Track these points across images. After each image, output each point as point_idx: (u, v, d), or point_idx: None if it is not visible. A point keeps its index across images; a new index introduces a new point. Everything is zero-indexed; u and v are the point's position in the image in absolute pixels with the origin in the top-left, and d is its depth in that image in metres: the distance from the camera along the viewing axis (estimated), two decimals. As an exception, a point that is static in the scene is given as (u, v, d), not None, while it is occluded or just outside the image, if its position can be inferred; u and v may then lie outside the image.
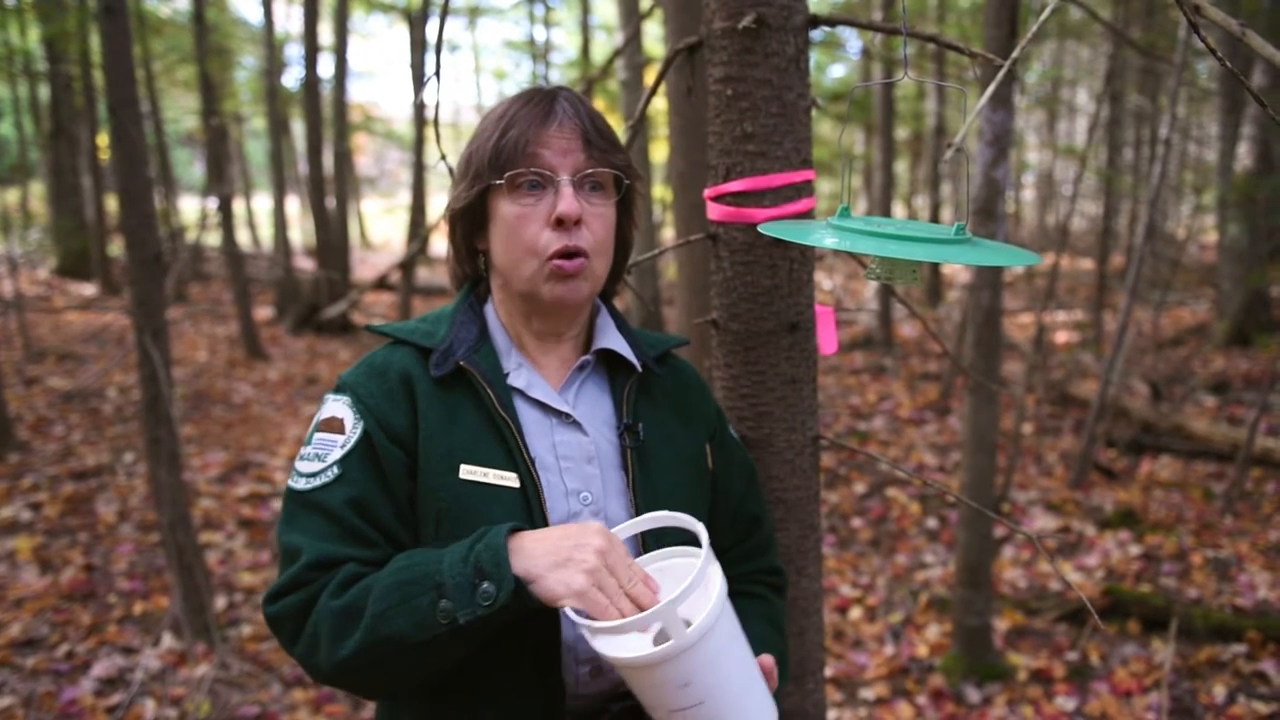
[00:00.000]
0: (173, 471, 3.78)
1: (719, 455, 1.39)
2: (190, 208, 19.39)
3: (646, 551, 1.20)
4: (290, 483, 1.18)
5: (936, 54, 10.52)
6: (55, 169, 13.78)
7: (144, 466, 5.64)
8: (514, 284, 1.23)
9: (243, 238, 16.92)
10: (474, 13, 16.44)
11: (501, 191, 1.20)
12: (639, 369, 1.31)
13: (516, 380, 1.24)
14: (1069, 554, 4.89)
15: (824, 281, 10.69)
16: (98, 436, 6.67)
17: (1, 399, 6.25)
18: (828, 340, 1.65)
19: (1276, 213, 9.01)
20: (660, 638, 1.05)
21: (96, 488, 5.68)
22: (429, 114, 10.59)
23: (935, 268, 11.23)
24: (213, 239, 13.71)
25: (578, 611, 1.04)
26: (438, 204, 15.97)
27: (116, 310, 9.53)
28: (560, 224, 1.18)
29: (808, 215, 1.53)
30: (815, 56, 13.91)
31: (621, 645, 1.05)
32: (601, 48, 15.97)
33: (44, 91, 14.11)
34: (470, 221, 1.26)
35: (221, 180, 10.72)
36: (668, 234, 11.77)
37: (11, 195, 16.54)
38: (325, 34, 12.92)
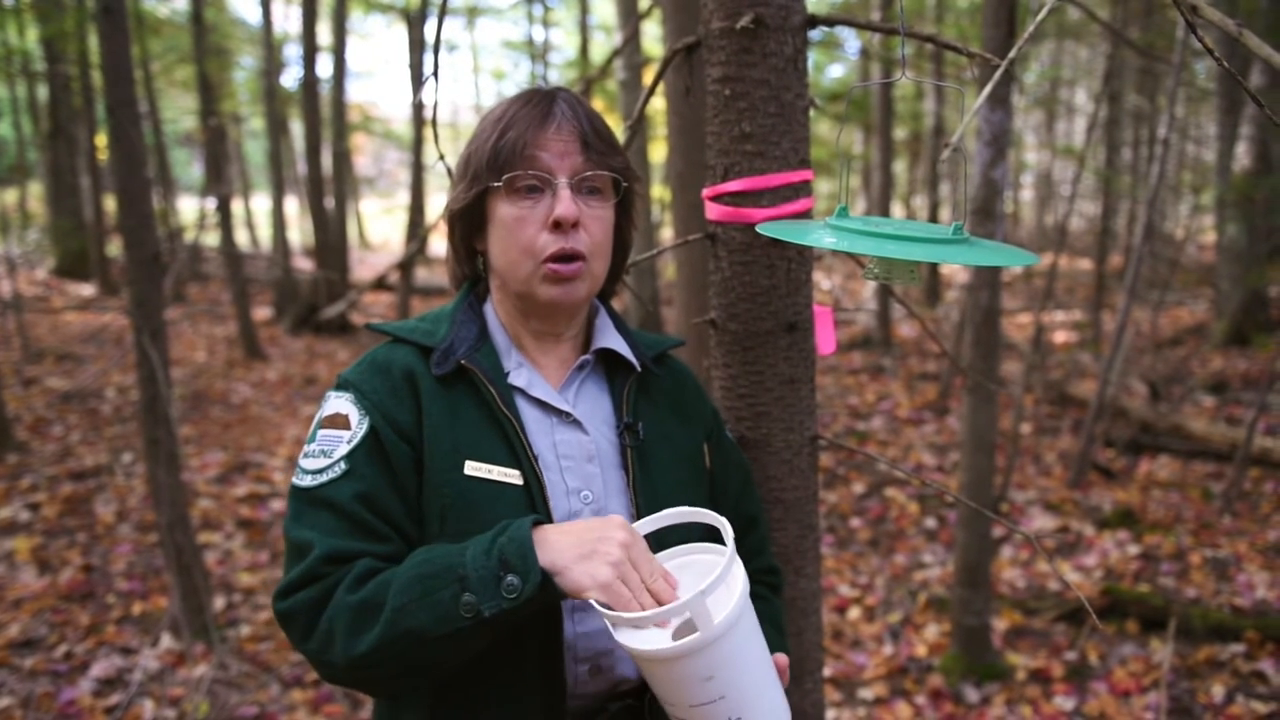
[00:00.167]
0: (171, 472, 3.78)
1: (716, 455, 1.39)
2: (189, 208, 19.39)
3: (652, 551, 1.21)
4: (295, 480, 1.18)
5: (935, 54, 10.52)
6: (54, 169, 13.77)
7: (142, 467, 5.64)
8: (511, 285, 1.24)
9: (241, 238, 16.92)
10: (472, 13, 16.44)
11: (499, 193, 1.20)
12: (638, 369, 1.31)
13: (517, 379, 1.24)
14: (1067, 554, 4.89)
15: (823, 281, 10.69)
16: (96, 437, 6.67)
17: (0, 399, 6.25)
18: (826, 340, 1.65)
19: (1275, 213, 9.02)
20: (679, 633, 1.06)
21: (95, 488, 5.67)
22: (427, 114, 10.58)
23: (934, 268, 11.24)
24: (211, 239, 13.72)
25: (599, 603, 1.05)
26: (436, 204, 15.96)
27: (115, 310, 9.53)
28: (557, 227, 1.18)
29: (806, 215, 1.53)
30: (814, 56, 13.92)
31: (644, 638, 1.05)
32: (600, 48, 15.97)
33: (42, 91, 14.10)
34: (469, 222, 1.26)
35: (220, 180, 10.72)
36: (666, 234, 11.77)
37: (10, 195, 16.53)
38: (324, 34, 12.93)
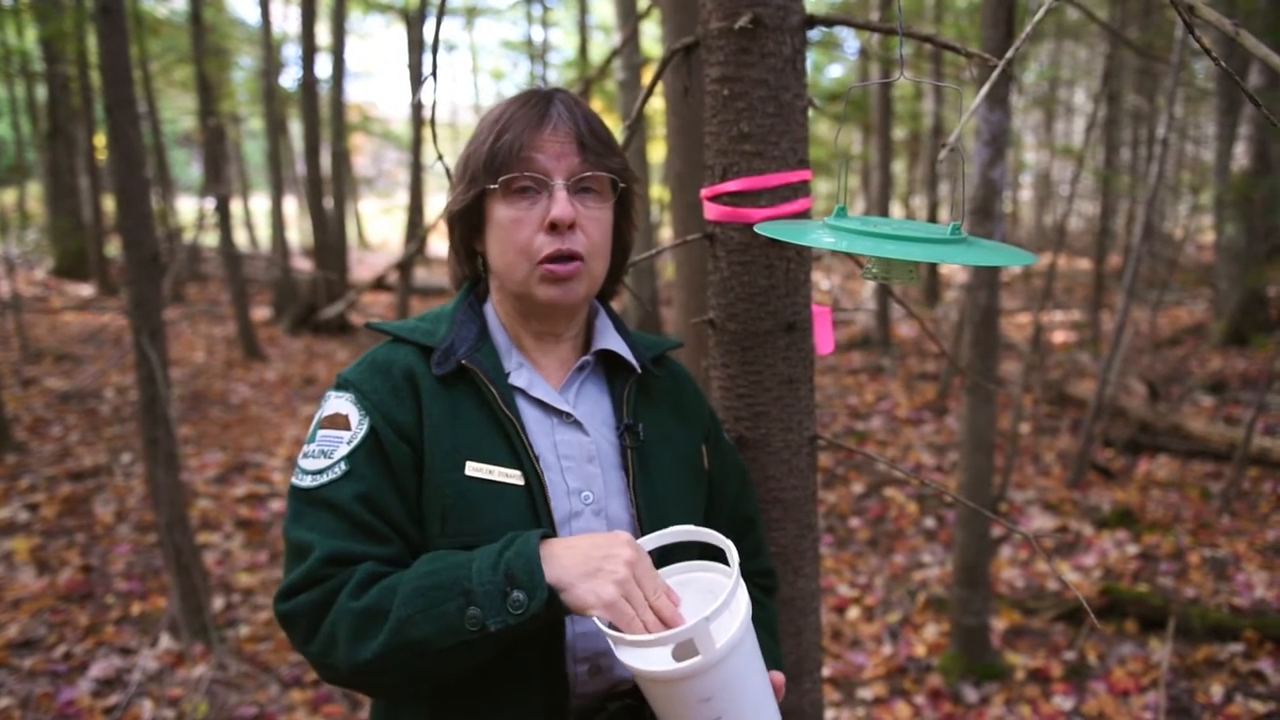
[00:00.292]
0: (170, 472, 3.78)
1: (714, 456, 1.40)
2: (188, 208, 19.37)
3: (665, 566, 1.21)
4: (295, 481, 1.17)
5: (934, 54, 10.52)
6: (52, 169, 13.76)
7: (141, 467, 5.64)
8: (509, 286, 1.24)
9: (240, 238, 16.92)
10: (471, 13, 16.42)
11: (496, 195, 1.20)
12: (638, 370, 1.31)
13: (517, 380, 1.24)
14: (1066, 554, 4.89)
15: (822, 281, 10.69)
16: (95, 437, 6.67)
17: (-1, 400, 6.25)
18: (824, 340, 1.66)
19: (1273, 212, 9.02)
20: (680, 651, 1.06)
21: (94, 488, 5.67)
22: (426, 114, 10.58)
23: (933, 267, 11.24)
24: (210, 239, 13.71)
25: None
26: (435, 204, 15.96)
27: (114, 311, 9.52)
28: (553, 228, 1.18)
29: (804, 215, 1.53)
30: (813, 56, 13.91)
31: (645, 657, 1.06)
32: (599, 48, 15.97)
33: (41, 92, 14.09)
34: (467, 224, 1.26)
35: (219, 181, 10.71)
36: (665, 234, 11.77)
37: (9, 196, 16.53)
38: (323, 34, 12.92)
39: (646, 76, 6.83)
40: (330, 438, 1.17)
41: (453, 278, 1.36)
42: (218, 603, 4.28)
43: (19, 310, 9.05)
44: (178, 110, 16.85)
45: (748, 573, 1.42)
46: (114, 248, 13.02)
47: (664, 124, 3.18)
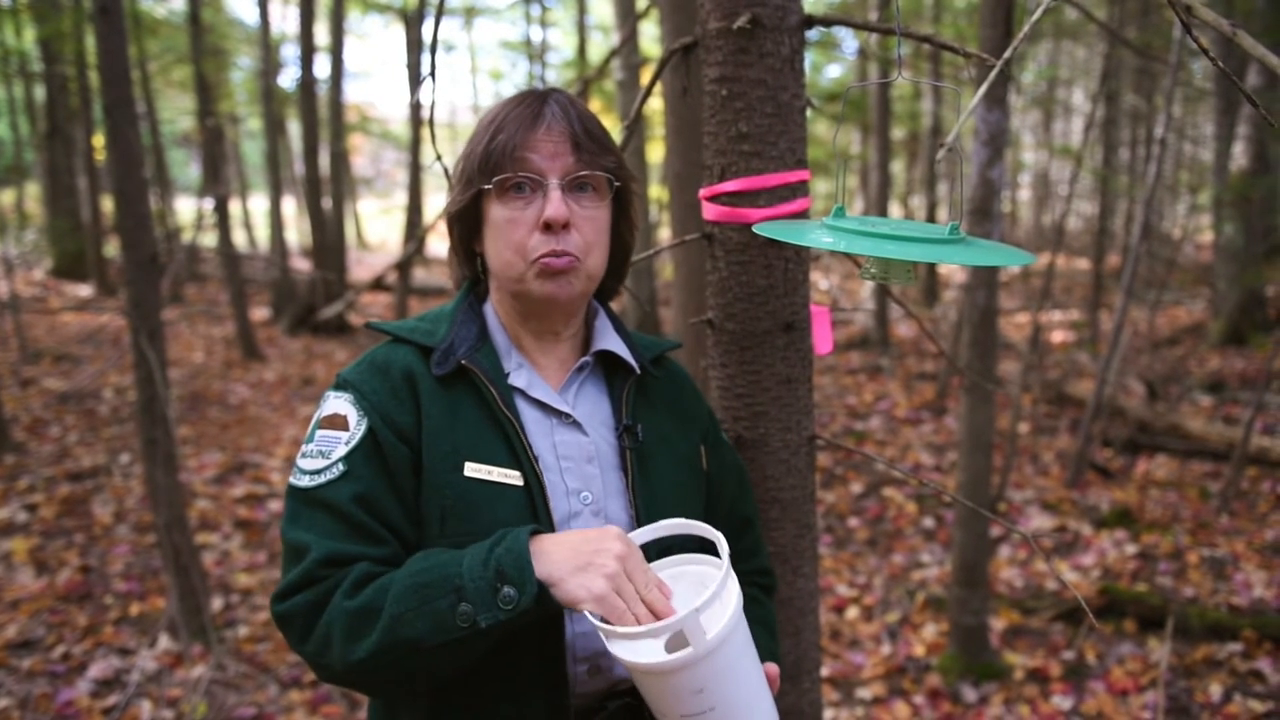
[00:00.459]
0: (169, 472, 3.78)
1: (713, 457, 1.40)
2: (186, 208, 19.37)
3: (648, 559, 1.21)
4: (292, 480, 1.17)
5: (933, 54, 10.53)
6: (51, 170, 13.76)
7: (140, 467, 5.63)
8: (506, 285, 1.24)
9: (239, 238, 16.91)
10: (470, 13, 16.42)
11: (492, 196, 1.21)
12: (637, 371, 1.31)
13: (517, 380, 1.25)
14: (1065, 553, 4.90)
15: (820, 281, 10.68)
16: (94, 438, 6.66)
17: (-3, 400, 6.25)
18: (823, 340, 1.66)
19: (1272, 212, 9.03)
20: (672, 644, 1.06)
21: (92, 489, 5.67)
22: (425, 114, 10.58)
23: (931, 267, 11.25)
24: (209, 240, 13.70)
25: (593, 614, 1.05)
26: (434, 204, 15.95)
27: (112, 311, 9.52)
28: (548, 228, 1.18)
29: (803, 215, 1.53)
30: (811, 56, 13.91)
31: (636, 650, 1.06)
32: (598, 48, 15.96)
33: (40, 92, 14.08)
34: (466, 225, 1.27)
35: (217, 181, 10.70)
36: (664, 234, 11.78)
37: (7, 196, 16.51)
38: (321, 34, 12.92)
39: (645, 76, 6.84)
40: (328, 438, 1.17)
41: (453, 278, 1.36)
42: (216, 603, 4.28)
43: (17, 311, 9.04)
44: (176, 110, 16.83)
45: (746, 572, 1.42)
46: (112, 248, 13.01)
47: (663, 124, 3.18)
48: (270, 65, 11.69)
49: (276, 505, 5.57)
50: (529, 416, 1.23)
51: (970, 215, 3.62)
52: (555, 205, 1.17)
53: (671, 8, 2.87)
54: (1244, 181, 8.64)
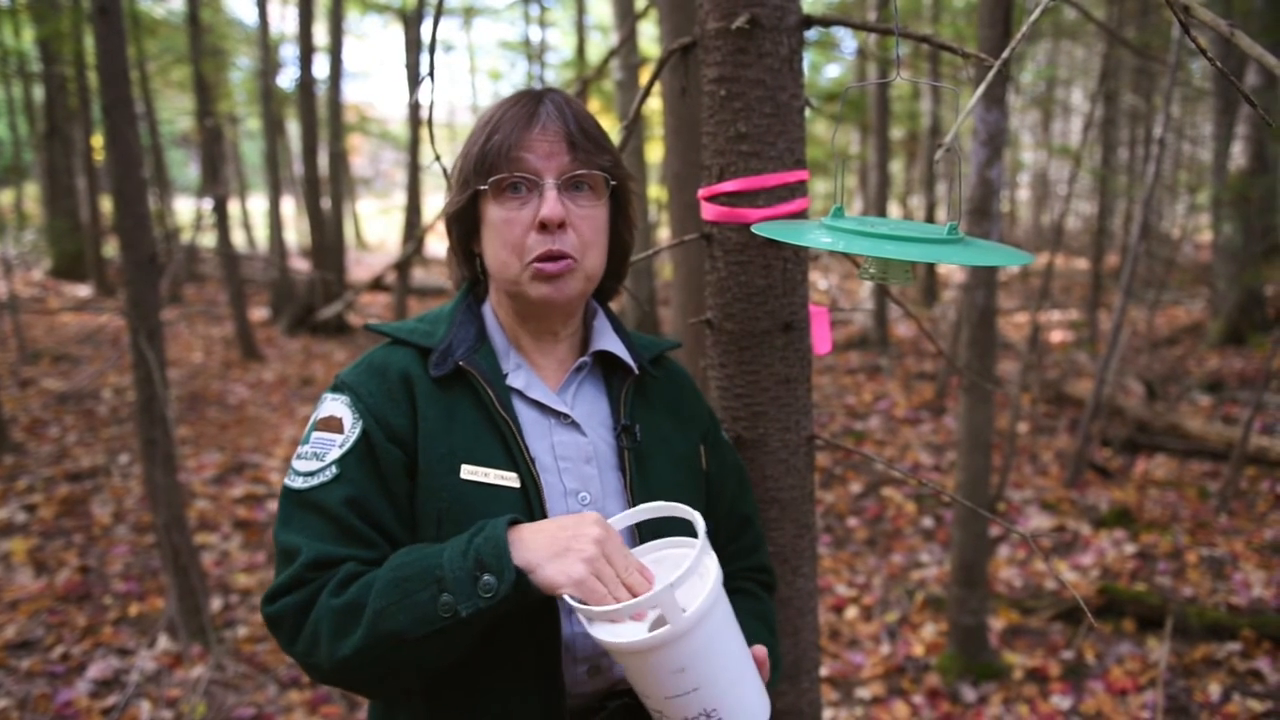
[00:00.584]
0: (168, 473, 3.78)
1: (712, 456, 1.40)
2: (185, 209, 19.37)
3: (640, 545, 1.21)
4: (287, 481, 1.18)
5: (932, 54, 10.53)
6: (50, 170, 13.75)
7: (139, 468, 5.63)
8: (503, 285, 1.24)
9: (238, 239, 16.90)
10: (469, 13, 16.41)
11: (488, 196, 1.21)
12: (636, 371, 1.31)
13: (515, 381, 1.25)
14: (1064, 553, 4.90)
15: (819, 281, 10.69)
16: (93, 438, 6.66)
17: (-4, 401, 6.24)
18: (822, 340, 1.66)
19: (1270, 212, 9.03)
20: (656, 625, 1.06)
21: (91, 489, 5.67)
22: (424, 114, 10.57)
23: (930, 267, 11.25)
24: (208, 240, 13.70)
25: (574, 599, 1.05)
26: (433, 204, 15.95)
27: (111, 311, 9.52)
28: (544, 228, 1.18)
29: (801, 215, 1.53)
30: (810, 56, 13.91)
31: (617, 632, 1.06)
32: (597, 48, 15.96)
33: (38, 92, 14.08)
34: (463, 225, 1.27)
35: (216, 181, 10.70)
36: (663, 234, 11.77)
37: (6, 196, 16.50)
38: (320, 34, 12.92)
39: (644, 77, 6.84)
40: (323, 440, 1.18)
41: (453, 279, 1.36)
42: (215, 603, 4.28)
43: (16, 311, 9.03)
44: (175, 111, 16.84)
45: (746, 569, 1.43)
46: (111, 248, 13.01)
47: (662, 124, 3.18)
48: (269, 65, 11.68)
49: (276, 505, 5.56)
50: (527, 417, 1.24)
51: (969, 215, 3.62)
52: (551, 205, 1.17)
53: (670, 8, 2.87)
54: (1243, 181, 8.65)
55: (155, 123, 12.15)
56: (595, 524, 1.07)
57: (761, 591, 1.43)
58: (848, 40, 12.75)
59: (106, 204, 12.53)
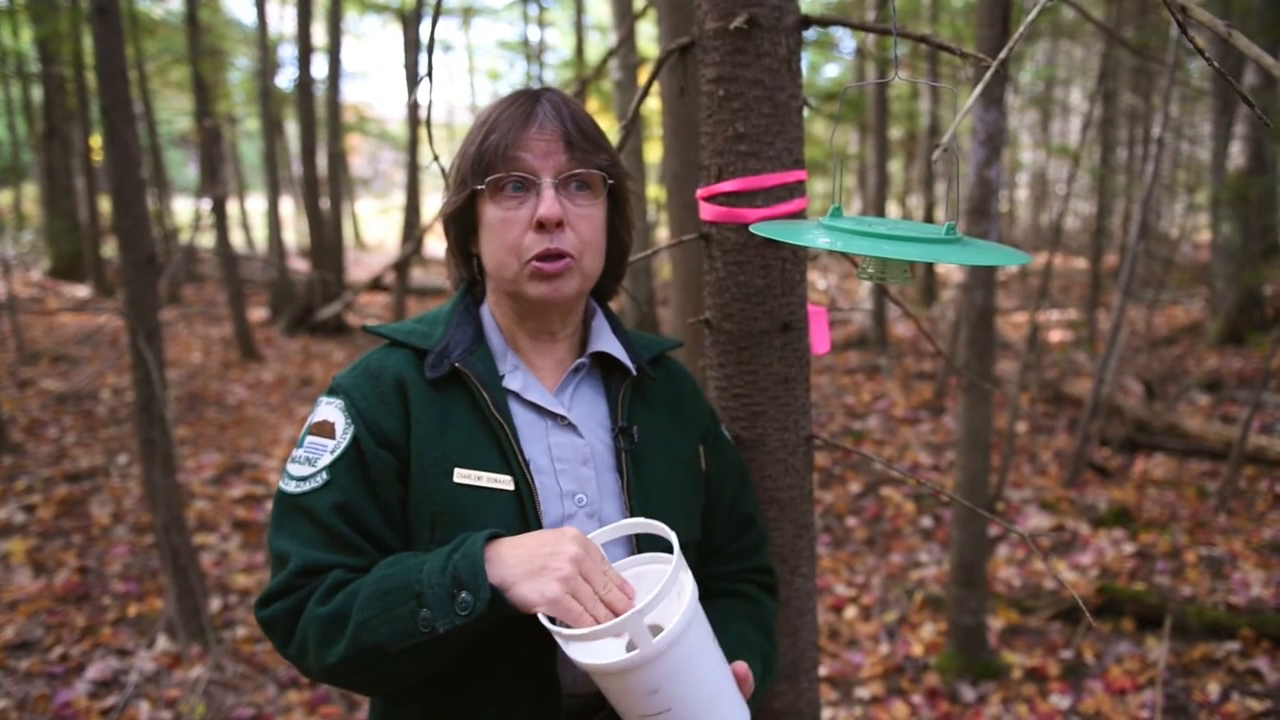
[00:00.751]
0: (167, 473, 3.78)
1: (712, 456, 1.39)
2: (184, 209, 19.36)
3: (639, 553, 1.21)
4: (281, 484, 1.20)
5: (930, 53, 10.54)
6: (48, 170, 13.75)
7: (138, 468, 5.63)
8: (501, 285, 1.24)
9: (237, 239, 16.90)
10: (468, 13, 16.41)
11: (486, 196, 1.21)
12: (634, 372, 1.31)
13: (512, 382, 1.24)
14: (1063, 552, 4.90)
15: (818, 281, 10.69)
16: (91, 438, 6.66)
17: (-5, 401, 6.24)
18: (820, 340, 1.66)
19: (1269, 211, 9.04)
20: (634, 643, 1.06)
21: (90, 490, 5.66)
22: (423, 114, 10.57)
23: (929, 267, 11.25)
24: (206, 240, 13.70)
25: (552, 619, 1.05)
26: (432, 204, 15.95)
27: (110, 312, 9.51)
28: (541, 227, 1.18)
29: (800, 215, 1.53)
30: (809, 56, 13.91)
31: (594, 651, 1.06)
32: (595, 48, 15.95)
33: (37, 93, 14.07)
34: (461, 226, 1.27)
35: (215, 181, 10.70)
36: (662, 234, 11.77)
37: (5, 197, 16.49)
38: (319, 34, 12.91)
39: (643, 77, 6.84)
40: (316, 445, 1.19)
41: (451, 279, 1.36)
42: (215, 604, 4.28)
43: (15, 311, 9.03)
44: (174, 111, 16.83)
45: (746, 570, 1.42)
46: (110, 249, 13.00)
47: (660, 124, 3.18)
48: (268, 65, 11.68)
49: (273, 505, 5.56)
50: (524, 419, 1.23)
51: (967, 215, 3.62)
52: (548, 204, 1.17)
53: (669, 8, 2.87)
54: (1241, 181, 8.65)
55: (154, 123, 12.15)
56: (574, 541, 1.07)
57: (761, 593, 1.43)
58: (846, 40, 12.75)
59: (105, 204, 12.53)
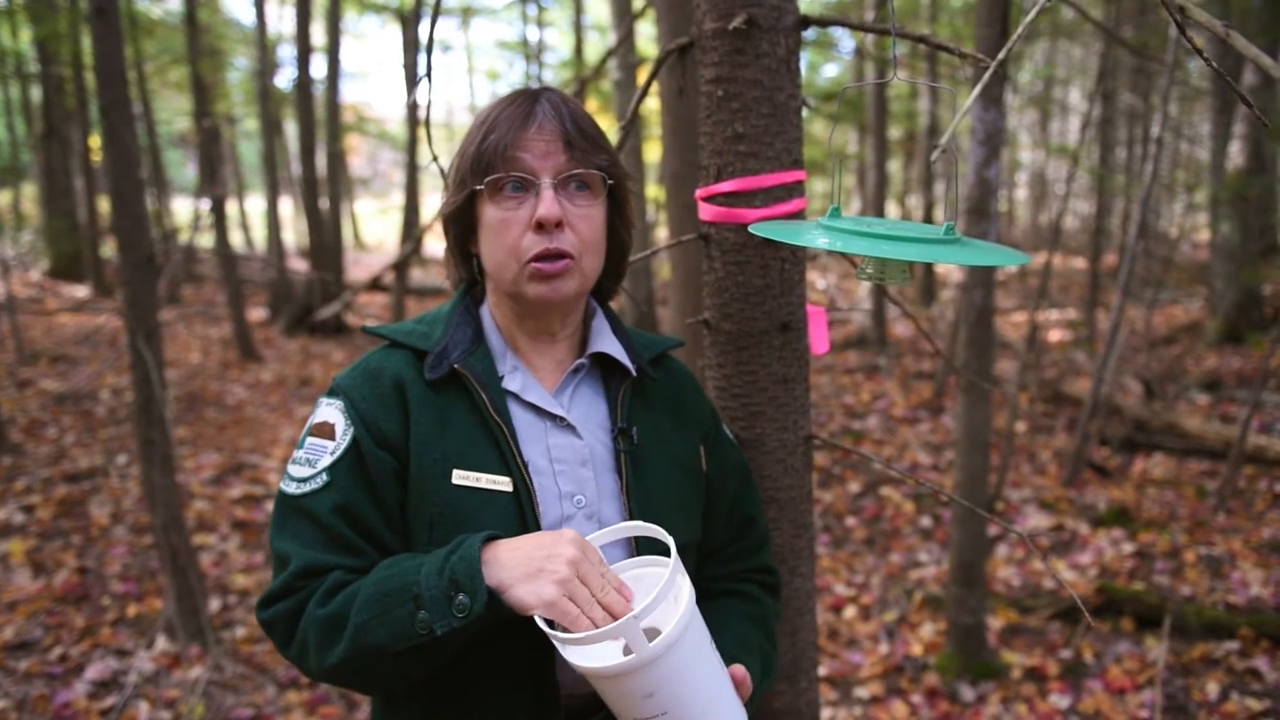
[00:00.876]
0: (166, 473, 3.77)
1: (713, 456, 1.39)
2: (183, 209, 19.35)
3: (639, 555, 1.21)
4: (282, 485, 1.20)
5: (929, 53, 10.54)
6: (47, 170, 13.74)
7: (137, 469, 5.63)
8: (501, 286, 1.24)
9: (236, 239, 16.89)
10: (467, 13, 16.41)
11: (485, 196, 1.21)
12: (633, 373, 1.31)
13: (511, 383, 1.24)
14: (1062, 552, 4.90)
15: (818, 281, 10.70)
16: (91, 439, 6.65)
17: (-6, 401, 6.24)
18: (819, 340, 1.66)
19: (1268, 211, 9.05)
20: (631, 647, 1.06)
21: (89, 490, 5.66)
22: (422, 114, 10.57)
23: (928, 267, 11.25)
24: (206, 240, 13.68)
25: (549, 622, 1.05)
26: (431, 204, 15.95)
27: (109, 312, 9.51)
28: (540, 227, 1.18)
29: (799, 215, 1.53)
30: (809, 56, 13.92)
31: (590, 654, 1.06)
32: (595, 48, 15.95)
33: (36, 93, 14.07)
34: (460, 226, 1.27)
35: (214, 181, 10.70)
36: (661, 234, 11.77)
37: (4, 197, 16.48)
38: (318, 34, 12.91)
39: (642, 77, 6.83)
40: (317, 446, 1.19)
41: (451, 279, 1.36)
42: (214, 604, 4.28)
43: (14, 312, 9.02)
44: (173, 111, 16.83)
45: (748, 569, 1.42)
46: (109, 249, 12.99)
47: (659, 124, 3.18)
48: (267, 66, 11.67)
49: (273, 506, 5.56)
50: (523, 420, 1.23)
51: (966, 214, 3.62)
52: (548, 204, 1.17)
53: (668, 8, 2.87)
54: (1241, 180, 8.65)
55: (153, 123, 12.15)
56: (571, 543, 1.07)
57: (762, 593, 1.42)
58: (845, 40, 12.75)
59: (104, 204, 12.52)
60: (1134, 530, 5.04)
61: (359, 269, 16.84)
